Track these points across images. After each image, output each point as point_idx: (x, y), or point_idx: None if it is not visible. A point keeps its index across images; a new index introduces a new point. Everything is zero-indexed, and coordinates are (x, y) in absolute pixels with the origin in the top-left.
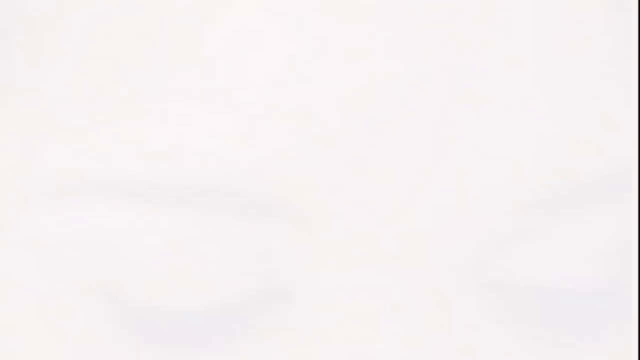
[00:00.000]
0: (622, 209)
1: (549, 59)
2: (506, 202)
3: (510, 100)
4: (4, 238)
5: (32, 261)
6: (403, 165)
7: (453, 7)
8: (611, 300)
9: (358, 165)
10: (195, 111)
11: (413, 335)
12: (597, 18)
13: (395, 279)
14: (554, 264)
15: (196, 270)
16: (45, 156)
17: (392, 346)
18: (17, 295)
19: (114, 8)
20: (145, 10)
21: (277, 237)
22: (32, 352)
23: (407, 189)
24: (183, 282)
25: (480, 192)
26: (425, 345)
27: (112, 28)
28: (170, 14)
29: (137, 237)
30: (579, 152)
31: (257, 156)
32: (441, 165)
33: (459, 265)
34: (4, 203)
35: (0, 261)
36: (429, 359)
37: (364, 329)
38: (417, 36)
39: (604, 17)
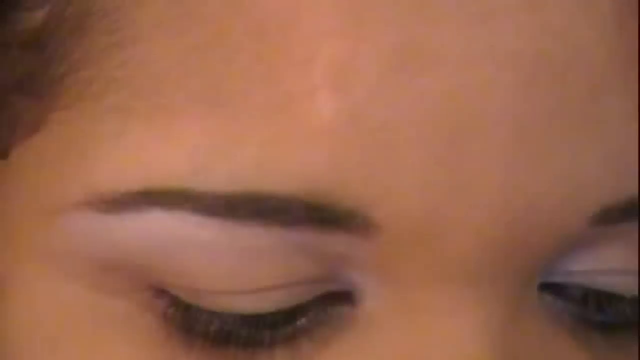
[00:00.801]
0: None
1: (618, 70)
2: (573, 212)
3: (577, 115)
4: (64, 239)
5: (92, 263)
6: (472, 174)
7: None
8: None
9: (429, 175)
10: (259, 121)
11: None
12: None
13: (461, 281)
14: (613, 269)
15: (258, 275)
16: (110, 164)
17: None
18: (76, 295)
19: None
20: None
21: (342, 243)
22: (93, 348)
23: (476, 196)
24: (245, 285)
25: (549, 201)
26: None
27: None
28: (248, 31)
29: (204, 245)
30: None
31: (323, 162)
32: (512, 178)
33: (526, 268)
34: (65, 206)
35: (59, 261)
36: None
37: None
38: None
39: None
